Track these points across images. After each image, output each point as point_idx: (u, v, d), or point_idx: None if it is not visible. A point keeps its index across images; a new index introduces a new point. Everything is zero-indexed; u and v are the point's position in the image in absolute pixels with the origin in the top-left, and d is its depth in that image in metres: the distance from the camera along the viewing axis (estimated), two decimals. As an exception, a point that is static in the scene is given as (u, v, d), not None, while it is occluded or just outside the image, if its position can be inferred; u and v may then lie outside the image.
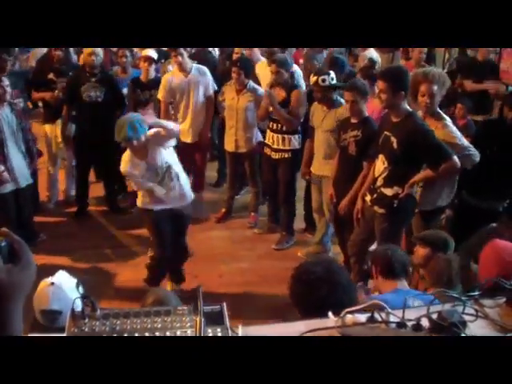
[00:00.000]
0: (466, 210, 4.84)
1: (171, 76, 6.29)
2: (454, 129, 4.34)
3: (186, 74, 6.20)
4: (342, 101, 5.18)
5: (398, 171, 4.16)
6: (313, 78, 5.18)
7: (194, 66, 6.28)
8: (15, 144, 5.38)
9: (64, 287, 2.96)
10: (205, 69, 6.35)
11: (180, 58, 6.07)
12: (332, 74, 5.20)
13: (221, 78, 6.66)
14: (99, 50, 6.26)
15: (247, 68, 5.97)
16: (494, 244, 2.65)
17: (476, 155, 4.28)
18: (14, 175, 5.38)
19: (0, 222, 5.36)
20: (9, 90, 5.30)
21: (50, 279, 3.02)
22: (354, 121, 4.78)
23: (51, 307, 2.92)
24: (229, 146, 6.24)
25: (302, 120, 5.70)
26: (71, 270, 3.22)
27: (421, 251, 3.73)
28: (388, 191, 4.24)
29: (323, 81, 5.11)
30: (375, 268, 3.40)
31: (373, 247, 4.57)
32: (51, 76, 6.38)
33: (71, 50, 7.42)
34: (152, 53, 6.43)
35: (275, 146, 5.79)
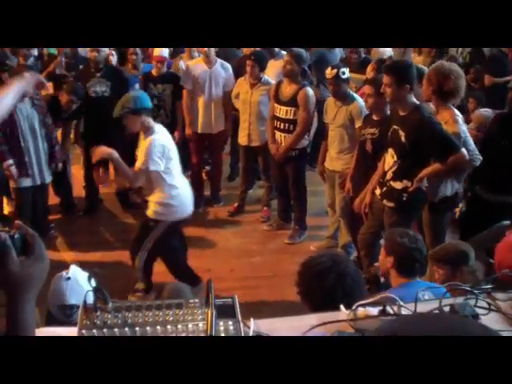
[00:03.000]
0: (479, 204, 4.79)
1: (195, 65, 6.33)
2: (464, 128, 4.30)
3: (209, 66, 6.25)
4: (356, 96, 5.17)
5: (407, 165, 4.13)
6: (332, 72, 5.12)
7: (218, 60, 6.33)
8: (35, 140, 5.35)
9: (80, 281, 2.98)
10: (228, 65, 6.40)
11: (207, 49, 6.10)
12: (345, 68, 5.21)
13: (235, 73, 6.65)
14: None
15: (262, 61, 5.95)
16: (509, 239, 2.64)
17: (476, 159, 4.24)
18: (33, 171, 5.36)
19: (15, 215, 5.40)
20: None
21: (64, 274, 3.03)
22: (375, 118, 4.72)
23: (69, 301, 2.94)
24: (242, 139, 6.24)
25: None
26: (83, 265, 3.24)
27: (441, 272, 3.42)
28: (397, 185, 4.21)
29: (343, 73, 5.09)
30: (391, 258, 3.20)
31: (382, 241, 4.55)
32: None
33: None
34: (164, 53, 6.43)
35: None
